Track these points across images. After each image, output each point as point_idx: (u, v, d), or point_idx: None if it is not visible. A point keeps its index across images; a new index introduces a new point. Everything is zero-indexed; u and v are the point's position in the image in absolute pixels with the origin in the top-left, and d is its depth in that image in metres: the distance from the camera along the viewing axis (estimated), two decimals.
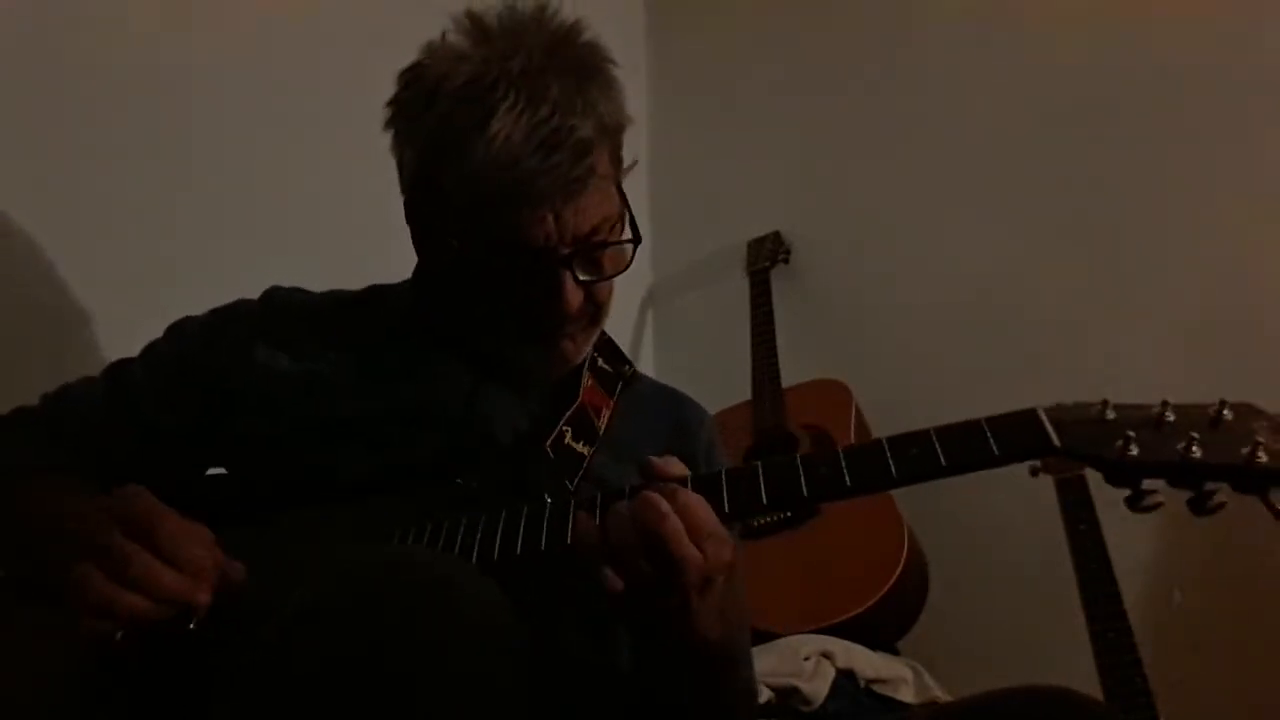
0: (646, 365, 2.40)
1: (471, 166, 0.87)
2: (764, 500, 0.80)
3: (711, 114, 2.42)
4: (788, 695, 1.45)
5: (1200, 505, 0.71)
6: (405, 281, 1.10)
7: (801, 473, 0.79)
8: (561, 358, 0.99)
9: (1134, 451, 0.72)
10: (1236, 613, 1.68)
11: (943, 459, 0.76)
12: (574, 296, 0.93)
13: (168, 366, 1.05)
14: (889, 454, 0.77)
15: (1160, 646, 1.55)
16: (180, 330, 1.07)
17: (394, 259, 1.08)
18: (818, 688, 1.45)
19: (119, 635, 0.76)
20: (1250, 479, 0.69)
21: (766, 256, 2.18)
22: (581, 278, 0.93)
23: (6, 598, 0.90)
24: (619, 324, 1.87)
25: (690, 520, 0.76)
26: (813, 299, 2.21)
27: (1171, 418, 0.73)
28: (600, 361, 1.08)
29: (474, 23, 0.93)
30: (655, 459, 0.83)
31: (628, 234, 0.96)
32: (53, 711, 0.83)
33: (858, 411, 1.88)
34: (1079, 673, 1.39)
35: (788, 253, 2.22)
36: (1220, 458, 0.70)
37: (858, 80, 2.18)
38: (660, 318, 2.47)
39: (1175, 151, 1.80)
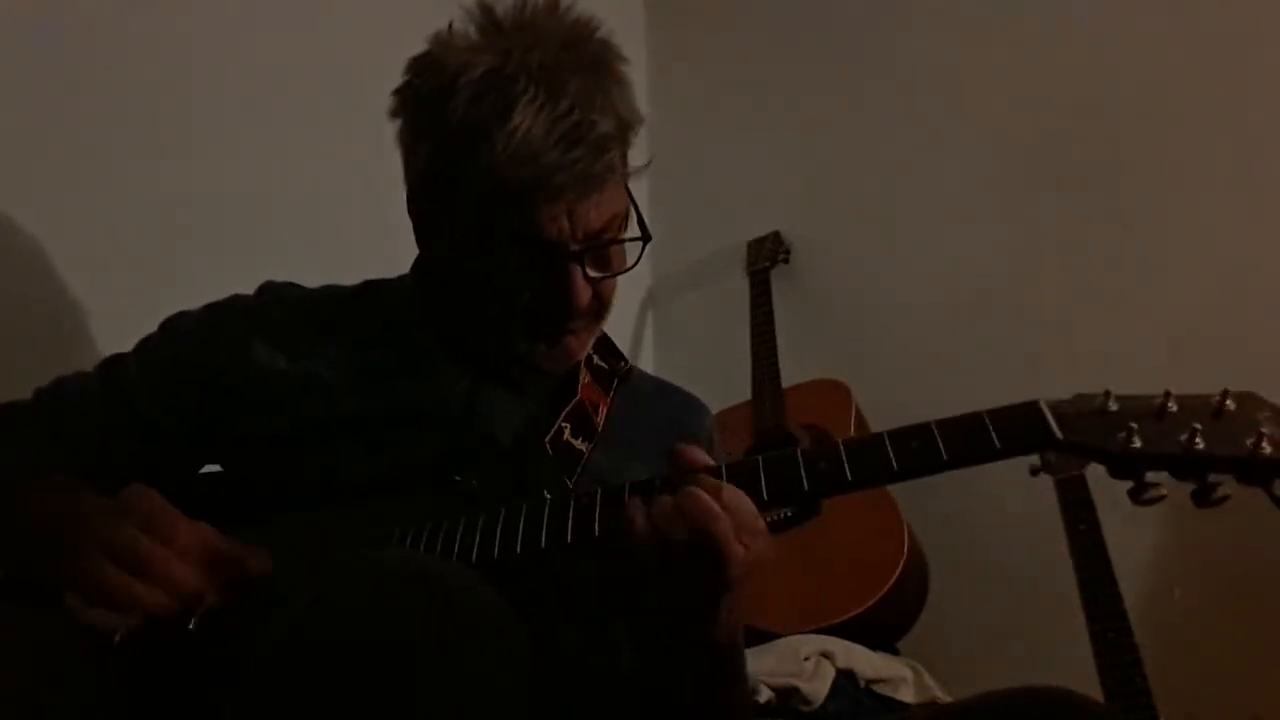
0: (646, 365, 2.38)
1: (490, 159, 0.86)
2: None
3: (711, 114, 2.42)
4: (788, 695, 1.45)
5: (1204, 497, 0.71)
6: (402, 276, 1.09)
7: (801, 466, 0.79)
8: (565, 354, 0.99)
9: (1137, 444, 0.71)
10: (1237, 613, 1.68)
11: (944, 452, 0.75)
12: (584, 292, 0.93)
13: (164, 364, 1.04)
14: (890, 447, 0.77)
15: (1160, 646, 1.54)
16: (175, 327, 1.06)
17: (391, 254, 1.08)
18: (818, 688, 1.45)
19: (119, 636, 0.75)
20: (1255, 471, 0.69)
21: (766, 256, 2.17)
22: (591, 274, 0.93)
23: (6, 598, 0.89)
24: (619, 324, 1.86)
25: (738, 519, 0.76)
26: (813, 299, 2.21)
27: (1174, 408, 0.72)
28: (596, 358, 1.08)
29: (485, 14, 0.92)
30: (685, 448, 0.82)
31: (635, 232, 0.96)
32: (53, 711, 0.83)
33: (858, 411, 1.87)
34: (1079, 673, 1.38)
35: (788, 253, 2.21)
36: (1224, 449, 0.69)
37: (858, 80, 2.18)
38: (660, 318, 2.46)
39: (1174, 152, 1.80)
